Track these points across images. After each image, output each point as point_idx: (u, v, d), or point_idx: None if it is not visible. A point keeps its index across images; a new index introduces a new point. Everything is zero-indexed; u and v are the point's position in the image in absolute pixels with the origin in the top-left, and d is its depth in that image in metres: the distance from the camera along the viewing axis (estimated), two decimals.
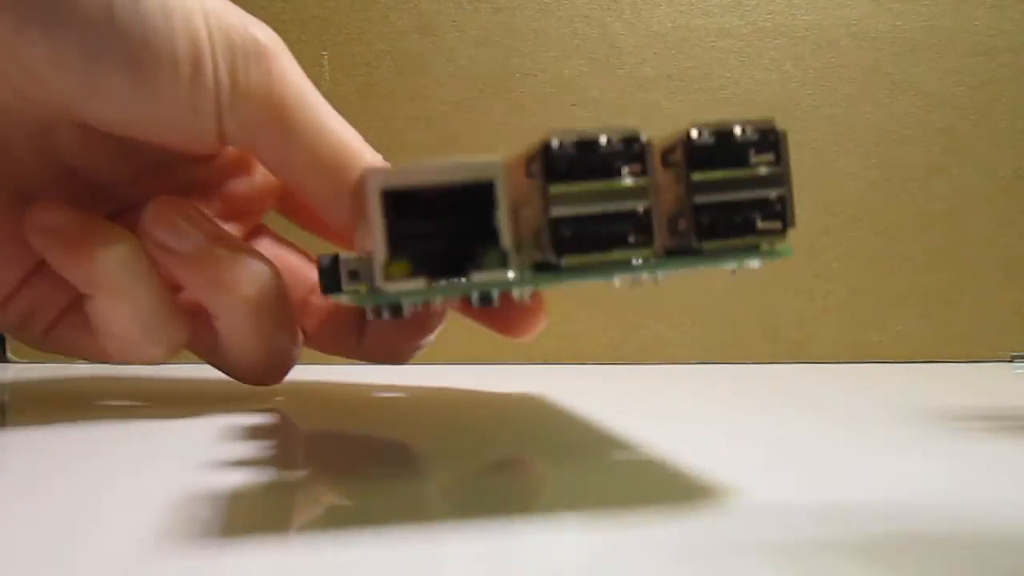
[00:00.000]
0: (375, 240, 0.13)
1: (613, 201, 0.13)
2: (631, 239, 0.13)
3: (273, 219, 0.25)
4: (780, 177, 0.14)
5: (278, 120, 0.19)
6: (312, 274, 0.23)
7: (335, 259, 0.20)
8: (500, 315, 0.22)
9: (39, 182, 0.21)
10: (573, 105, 0.33)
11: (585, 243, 0.13)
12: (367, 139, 0.21)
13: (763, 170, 0.14)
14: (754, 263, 0.14)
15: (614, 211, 0.13)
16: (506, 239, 0.13)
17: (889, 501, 0.14)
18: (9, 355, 0.33)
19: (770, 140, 0.14)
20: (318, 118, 0.20)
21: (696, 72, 0.34)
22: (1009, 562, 0.11)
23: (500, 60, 0.33)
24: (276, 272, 0.20)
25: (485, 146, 0.33)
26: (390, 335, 0.23)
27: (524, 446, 0.19)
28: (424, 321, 0.22)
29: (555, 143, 0.13)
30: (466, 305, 0.23)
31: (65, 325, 0.22)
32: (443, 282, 0.13)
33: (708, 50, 0.34)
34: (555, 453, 0.18)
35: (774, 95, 0.33)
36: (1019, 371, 0.32)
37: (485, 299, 0.15)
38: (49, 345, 0.22)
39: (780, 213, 0.14)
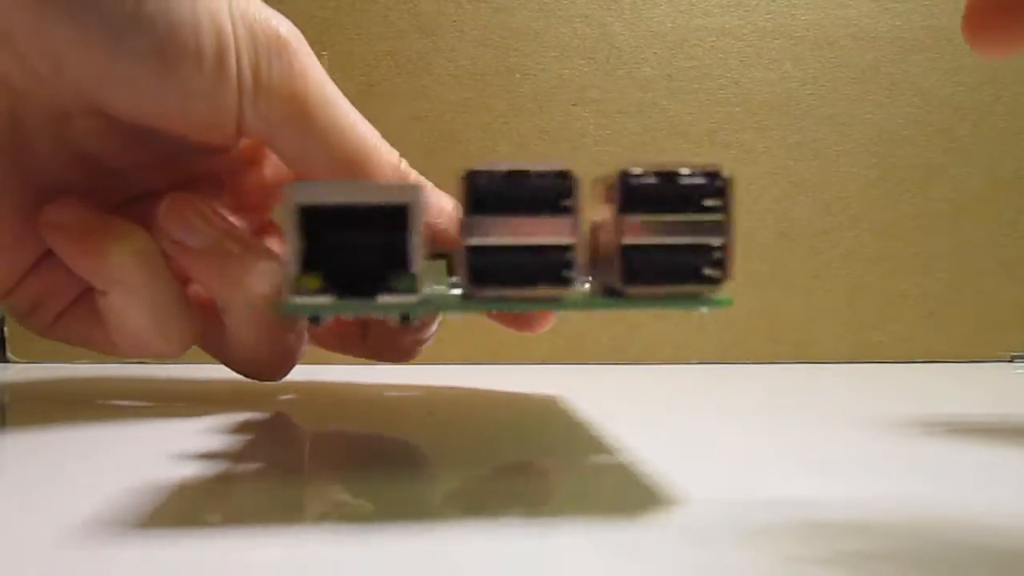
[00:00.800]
0: (289, 254, 0.13)
1: (533, 236, 0.13)
2: (550, 277, 0.13)
3: None
4: (723, 225, 0.13)
5: (299, 116, 0.19)
6: None
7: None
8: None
9: (52, 167, 0.21)
10: (573, 105, 0.33)
11: (502, 277, 0.13)
12: None
13: (705, 216, 0.13)
14: (701, 309, 0.14)
15: (534, 245, 0.13)
16: (416, 264, 0.13)
17: (889, 502, 0.14)
18: (9, 355, 0.33)
19: (716, 185, 0.13)
20: (338, 114, 0.20)
21: (696, 72, 0.34)
22: (1007, 563, 0.11)
23: (500, 60, 0.33)
24: None
25: (485, 146, 0.33)
26: (392, 332, 0.23)
27: (529, 448, 0.19)
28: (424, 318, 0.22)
29: (482, 175, 0.13)
30: None
31: (74, 316, 0.22)
32: (350, 301, 0.13)
33: (708, 50, 0.34)
34: (558, 455, 0.18)
35: (774, 95, 0.33)
36: (1019, 371, 0.32)
37: (404, 318, 0.14)
38: (57, 334, 0.22)
39: (720, 262, 0.13)
